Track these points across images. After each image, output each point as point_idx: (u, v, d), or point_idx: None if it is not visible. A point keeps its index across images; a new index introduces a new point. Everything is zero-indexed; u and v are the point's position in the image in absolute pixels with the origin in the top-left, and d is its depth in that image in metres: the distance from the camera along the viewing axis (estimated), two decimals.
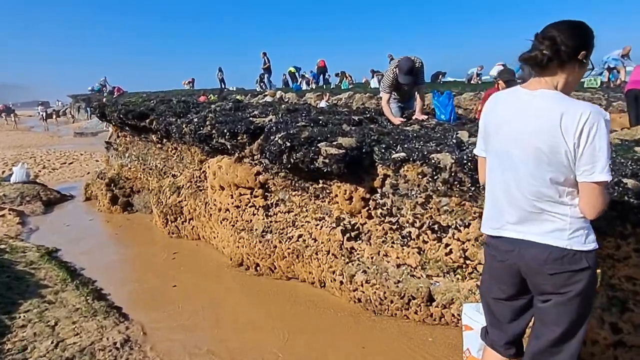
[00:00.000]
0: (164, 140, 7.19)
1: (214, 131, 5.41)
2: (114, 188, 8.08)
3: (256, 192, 4.99)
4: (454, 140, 4.04)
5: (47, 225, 7.54)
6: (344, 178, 4.11)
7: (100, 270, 5.31)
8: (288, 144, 4.23)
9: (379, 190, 4.07)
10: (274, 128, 4.70)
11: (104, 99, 14.53)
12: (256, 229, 4.90)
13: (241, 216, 5.13)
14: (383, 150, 4.13)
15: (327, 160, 3.97)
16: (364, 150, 4.11)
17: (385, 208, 4.00)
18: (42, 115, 34.00)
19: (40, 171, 12.17)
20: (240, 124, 5.24)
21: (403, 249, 3.84)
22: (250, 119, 5.47)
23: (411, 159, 3.86)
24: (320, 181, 4.41)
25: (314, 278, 4.45)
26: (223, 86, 25.79)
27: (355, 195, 4.09)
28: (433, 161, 3.72)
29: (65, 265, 5.28)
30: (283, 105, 6.81)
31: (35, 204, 8.58)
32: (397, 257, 3.85)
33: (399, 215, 3.92)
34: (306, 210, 4.64)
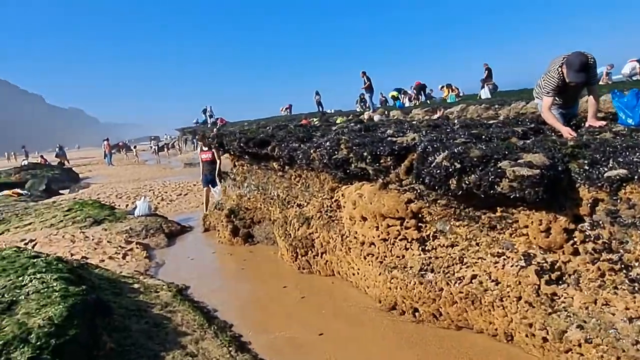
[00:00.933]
0: (286, 167, 6.76)
1: (351, 155, 4.80)
2: (234, 219, 7.82)
3: (407, 222, 4.25)
4: None
5: (172, 258, 7.41)
6: (536, 205, 3.23)
7: (234, 312, 4.87)
8: (458, 166, 3.46)
9: (586, 218, 3.13)
10: (430, 147, 3.95)
11: (213, 130, 14.84)
12: (412, 267, 4.15)
13: (390, 251, 4.41)
14: (587, 167, 3.21)
15: (515, 184, 3.14)
16: (559, 169, 3.21)
17: (599, 242, 3.04)
18: (155, 148, 36.64)
19: (159, 203, 12.53)
20: (381, 145, 4.58)
21: (635, 297, 2.85)
22: (391, 139, 4.79)
23: (637, 177, 2.90)
24: (498, 209, 3.57)
25: (496, 329, 3.57)
26: (321, 109, 25.82)
27: (554, 226, 3.19)
28: None
29: (200, 307, 4.90)
30: (422, 123, 6.07)
31: (159, 237, 8.59)
32: (627, 308, 2.86)
33: (622, 251, 2.95)
34: (476, 244, 3.80)
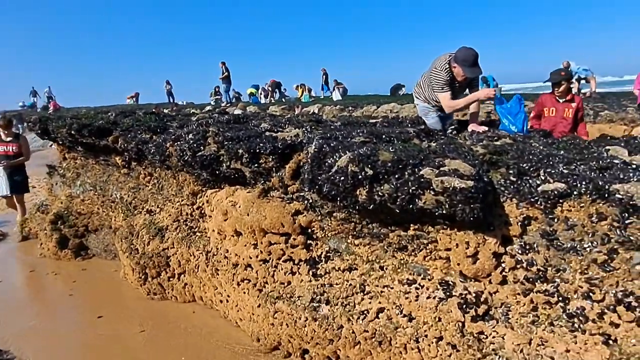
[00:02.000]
0: (133, 163, 5.34)
1: (222, 152, 3.71)
2: (62, 226, 6.06)
3: (295, 239, 3.34)
4: (621, 160, 2.65)
5: None
6: (463, 224, 2.58)
7: None
8: (369, 172, 2.66)
9: (516, 240, 2.58)
10: (326, 146, 3.09)
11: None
12: (300, 297, 3.24)
13: (272, 275, 3.44)
14: (513, 179, 2.66)
15: (443, 198, 2.44)
16: (485, 180, 2.62)
17: (532, 269, 2.50)
18: None
19: None
20: (261, 140, 3.59)
21: (575, 336, 2.35)
22: (271, 134, 3.83)
23: (575, 193, 2.42)
24: (411, 226, 2.86)
25: None
26: (172, 100, 23.64)
27: (483, 250, 2.57)
28: (618, 195, 2.31)
29: None
30: (301, 117, 5.20)
31: None
32: (568, 350, 2.35)
33: (558, 281, 2.44)
34: (380, 269, 3.05)
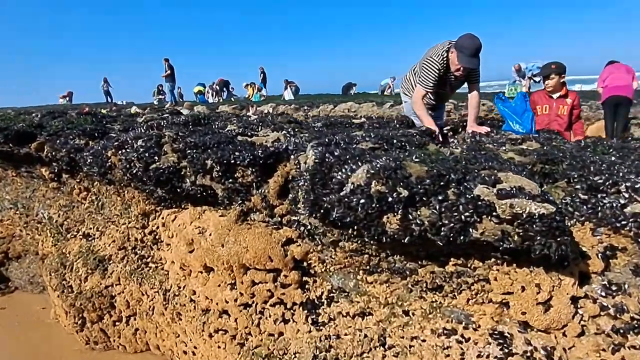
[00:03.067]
0: (64, 175, 4.27)
1: (184, 163, 2.82)
2: None
3: (286, 276, 2.53)
4: None
5: None
6: (528, 258, 1.89)
7: None
8: (403, 193, 1.91)
9: (596, 278, 1.93)
10: (330, 156, 2.32)
11: None
12: (298, 353, 2.44)
13: (257, 324, 2.61)
14: (585, 197, 2.03)
15: (513, 228, 1.75)
16: (550, 198, 1.95)
17: (623, 317, 1.86)
18: None
19: None
20: (235, 147, 2.75)
21: None
22: (247, 139, 3.00)
23: None
24: (452, 260, 2.14)
25: None
26: (110, 99, 21.82)
27: (558, 295, 1.89)
28: None
29: None
30: (277, 118, 4.38)
31: None
32: None
33: None
34: (405, 314, 2.31)
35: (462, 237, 1.86)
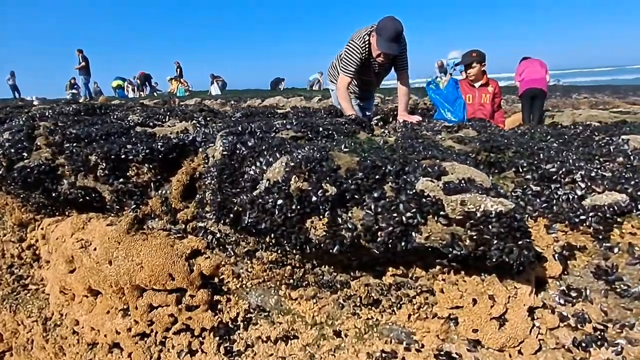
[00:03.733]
0: None
1: (60, 160, 2.24)
2: None
3: (192, 297, 2.03)
4: None
5: None
6: (479, 265, 1.56)
7: None
8: (330, 190, 1.50)
9: (553, 284, 1.65)
10: (242, 147, 1.86)
11: None
12: None
13: (157, 359, 2.08)
14: (538, 189, 1.74)
15: (465, 230, 1.40)
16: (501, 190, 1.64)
17: (584, 327, 1.58)
18: None
19: None
20: (129, 139, 2.22)
21: None
22: (147, 129, 2.47)
23: (636, 209, 1.56)
24: (390, 270, 1.76)
25: None
26: (17, 94, 19.68)
27: (514, 307, 1.57)
28: None
29: None
30: (188, 107, 3.82)
31: None
32: None
33: (624, 343, 1.56)
34: (336, 335, 1.91)
35: (403, 244, 1.49)
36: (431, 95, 3.73)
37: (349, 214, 1.54)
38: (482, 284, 1.59)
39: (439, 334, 1.73)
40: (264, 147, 1.88)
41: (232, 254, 2.00)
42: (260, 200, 1.61)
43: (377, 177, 1.58)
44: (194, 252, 2.05)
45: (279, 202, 1.56)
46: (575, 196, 1.66)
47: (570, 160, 1.84)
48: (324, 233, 1.52)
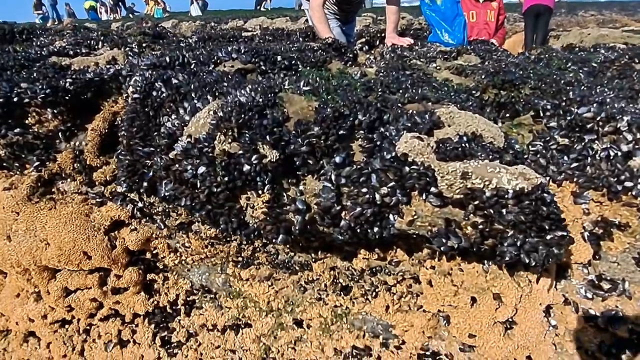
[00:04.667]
0: None
1: None
2: None
3: (118, 277, 1.60)
4: None
5: None
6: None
7: None
8: (270, 155, 1.00)
9: (579, 273, 1.21)
10: (161, 85, 1.33)
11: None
12: None
13: (80, 351, 1.70)
14: (566, 141, 1.25)
15: (479, 222, 0.92)
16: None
17: (618, 330, 1.18)
18: None
19: None
20: (29, 75, 1.67)
21: None
22: (63, 61, 1.91)
23: None
24: (361, 252, 1.32)
25: None
26: None
27: (526, 306, 1.15)
28: None
29: None
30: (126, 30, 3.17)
31: None
32: None
33: None
34: (297, 325, 1.51)
35: (376, 230, 1.03)
36: (425, 12, 3.11)
37: (300, 188, 1.06)
38: (484, 277, 1.15)
39: (424, 329, 1.33)
40: (192, 87, 1.35)
41: (165, 225, 1.54)
42: (177, 166, 1.11)
43: (341, 132, 1.08)
44: (116, 224, 1.58)
45: (201, 170, 1.07)
46: (619, 153, 1.18)
47: (611, 101, 1.34)
48: (264, 216, 1.05)
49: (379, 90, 1.36)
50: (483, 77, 1.56)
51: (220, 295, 1.62)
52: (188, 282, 1.65)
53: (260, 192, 1.06)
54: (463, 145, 1.01)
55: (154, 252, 1.62)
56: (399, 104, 1.25)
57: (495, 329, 1.15)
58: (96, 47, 2.43)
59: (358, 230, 1.04)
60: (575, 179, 1.21)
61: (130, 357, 1.63)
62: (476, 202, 0.93)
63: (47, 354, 1.70)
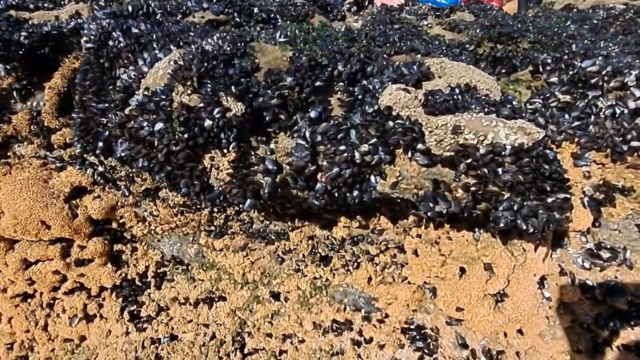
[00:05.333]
0: None
1: None
2: None
3: (82, 248, 1.48)
4: None
5: None
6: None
7: None
8: (236, 108, 0.86)
9: (577, 241, 1.11)
10: (119, 34, 1.17)
11: None
12: None
13: (44, 327, 1.58)
14: (566, 98, 1.12)
15: (473, 183, 0.79)
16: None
17: (617, 302, 1.09)
18: None
19: None
20: None
21: None
22: (21, 15, 1.72)
23: None
24: (341, 220, 1.20)
25: None
26: None
27: (519, 278, 1.05)
28: None
29: None
30: None
31: None
32: None
33: None
34: (274, 298, 1.41)
35: (356, 193, 0.91)
36: None
37: (270, 147, 0.93)
38: (475, 246, 1.05)
39: (409, 302, 1.23)
40: (154, 37, 1.19)
41: (130, 192, 1.41)
42: (132, 123, 0.98)
43: (317, 83, 0.94)
44: (78, 190, 1.45)
45: (158, 126, 0.93)
46: (626, 111, 1.06)
47: (617, 55, 1.21)
48: (229, 177, 0.93)
49: (363, 41, 1.22)
50: (477, 30, 1.42)
51: (193, 266, 1.50)
52: (158, 252, 1.53)
53: (225, 150, 0.93)
54: (455, 97, 0.88)
55: (121, 221, 1.50)
56: (385, 55, 1.11)
57: (485, 301, 1.05)
58: (62, 1, 2.23)
59: (335, 194, 0.92)
60: (576, 139, 1.10)
61: (97, 332, 1.52)
62: (469, 161, 0.81)
63: (9, 329, 1.58)
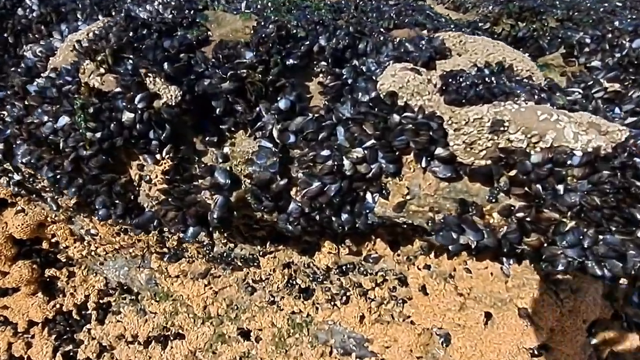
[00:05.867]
0: None
1: None
2: None
3: (5, 273, 1.17)
4: None
5: None
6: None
7: None
8: (172, 93, 0.56)
9: None
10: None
11: None
12: None
13: None
14: (609, 85, 0.84)
15: (522, 207, 0.51)
16: None
17: None
18: None
19: None
20: None
21: None
22: None
23: None
24: (327, 243, 0.92)
25: None
26: None
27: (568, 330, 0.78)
28: None
29: None
30: None
31: None
32: None
33: None
34: (244, 337, 1.12)
35: (345, 218, 0.63)
36: None
37: (222, 151, 0.64)
38: (504, 283, 0.78)
39: (412, 347, 0.96)
40: (79, 5, 0.90)
41: (56, 206, 1.11)
42: (31, 117, 0.68)
43: (290, 60, 0.66)
44: None
45: (62, 121, 0.64)
46: None
47: None
48: (163, 196, 0.64)
49: (353, 13, 0.94)
50: (492, 7, 1.15)
51: (144, 296, 1.21)
52: (101, 278, 1.24)
53: (157, 156, 0.65)
54: (486, 79, 0.61)
55: (53, 240, 1.20)
56: (382, 30, 0.83)
57: (518, 357, 0.78)
58: None
59: (316, 218, 0.64)
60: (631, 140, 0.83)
61: None
62: (513, 172, 0.53)
63: None
